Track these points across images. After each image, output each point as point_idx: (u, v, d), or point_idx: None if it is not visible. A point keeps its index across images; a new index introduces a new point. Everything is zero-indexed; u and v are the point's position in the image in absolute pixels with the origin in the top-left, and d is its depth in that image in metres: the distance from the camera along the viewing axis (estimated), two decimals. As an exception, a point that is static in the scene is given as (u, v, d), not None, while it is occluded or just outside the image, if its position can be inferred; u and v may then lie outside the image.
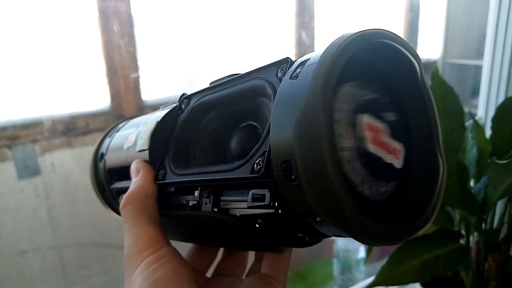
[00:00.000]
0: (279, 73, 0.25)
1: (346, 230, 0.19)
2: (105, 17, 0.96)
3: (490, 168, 0.63)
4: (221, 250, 0.37)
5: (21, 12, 0.88)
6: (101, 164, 0.40)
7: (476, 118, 0.86)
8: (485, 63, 0.97)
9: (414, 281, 0.62)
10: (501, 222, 0.70)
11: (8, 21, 0.87)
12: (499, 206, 0.75)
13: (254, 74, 0.27)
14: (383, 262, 0.62)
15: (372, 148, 0.21)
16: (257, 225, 0.24)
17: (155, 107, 0.38)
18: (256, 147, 0.24)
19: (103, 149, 0.41)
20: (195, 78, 1.21)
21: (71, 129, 0.97)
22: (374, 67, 0.24)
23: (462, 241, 0.68)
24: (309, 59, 0.22)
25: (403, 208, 0.23)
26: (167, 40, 1.11)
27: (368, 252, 0.79)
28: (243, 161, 0.24)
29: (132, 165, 0.32)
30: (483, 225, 0.69)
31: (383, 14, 1.64)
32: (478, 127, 0.71)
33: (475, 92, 1.64)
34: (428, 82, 0.25)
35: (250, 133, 0.28)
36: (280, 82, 0.23)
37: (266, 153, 0.22)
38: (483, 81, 0.96)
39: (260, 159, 0.23)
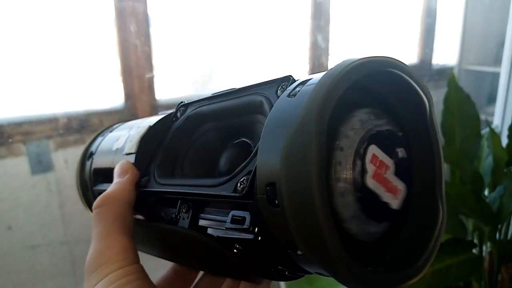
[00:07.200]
0: (279, 90, 0.23)
1: (328, 269, 0.18)
2: (121, 16, 0.97)
3: (506, 178, 0.62)
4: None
5: (38, 9, 0.90)
6: (88, 163, 0.39)
7: (493, 126, 0.84)
8: (503, 70, 0.96)
9: (425, 290, 0.62)
10: (516, 233, 0.69)
11: (26, 18, 0.88)
12: (514, 216, 0.73)
13: (254, 89, 0.26)
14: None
15: (371, 183, 0.19)
16: (234, 250, 0.22)
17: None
18: (243, 164, 0.22)
19: (93, 148, 0.40)
20: (209, 79, 1.22)
21: (85, 126, 0.98)
22: (383, 97, 0.22)
23: (475, 251, 0.67)
24: (311, 79, 0.20)
25: (394, 253, 0.22)
26: (183, 41, 1.12)
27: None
28: (228, 177, 0.22)
29: (117, 165, 0.31)
30: (497, 236, 0.67)
31: (399, 18, 1.63)
32: (495, 136, 0.70)
33: (491, 100, 1.61)
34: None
35: (241, 150, 0.27)
36: None
37: (252, 172, 0.21)
38: (500, 89, 0.95)
39: (244, 178, 0.21)
